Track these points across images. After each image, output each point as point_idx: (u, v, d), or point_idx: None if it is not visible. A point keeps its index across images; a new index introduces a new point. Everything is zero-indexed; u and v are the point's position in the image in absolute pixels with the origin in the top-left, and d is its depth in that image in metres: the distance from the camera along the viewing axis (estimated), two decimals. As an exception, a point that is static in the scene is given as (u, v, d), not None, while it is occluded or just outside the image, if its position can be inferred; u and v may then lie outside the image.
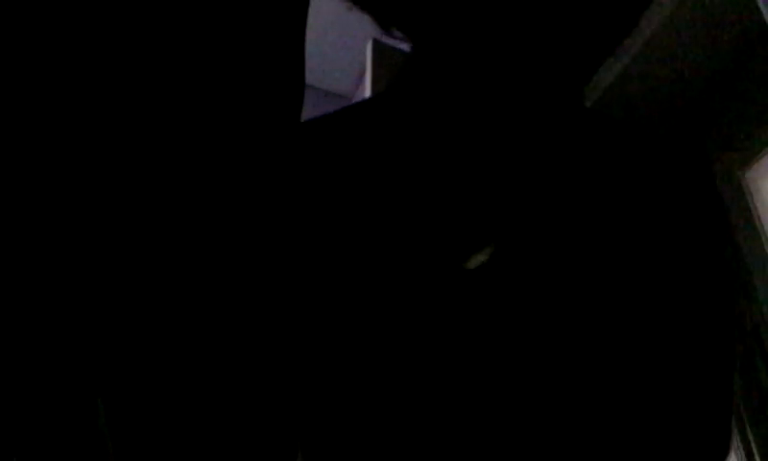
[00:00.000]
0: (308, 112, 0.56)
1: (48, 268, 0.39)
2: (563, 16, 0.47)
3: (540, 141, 0.52)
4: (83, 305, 0.40)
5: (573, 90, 0.53)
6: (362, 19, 0.56)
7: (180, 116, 0.41)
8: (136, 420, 0.41)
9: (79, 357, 0.40)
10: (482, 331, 0.46)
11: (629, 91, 2.14)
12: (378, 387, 0.46)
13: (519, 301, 0.46)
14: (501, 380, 0.46)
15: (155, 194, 0.41)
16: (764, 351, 2.06)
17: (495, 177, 0.50)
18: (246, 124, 0.44)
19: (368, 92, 1.90)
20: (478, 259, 0.46)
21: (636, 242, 0.49)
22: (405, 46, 0.56)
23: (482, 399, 0.45)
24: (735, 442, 2.09)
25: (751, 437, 2.07)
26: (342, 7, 0.57)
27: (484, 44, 0.48)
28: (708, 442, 0.48)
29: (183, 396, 0.42)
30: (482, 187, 0.50)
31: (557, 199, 0.49)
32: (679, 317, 0.48)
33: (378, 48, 1.84)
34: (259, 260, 0.45)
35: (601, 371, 0.46)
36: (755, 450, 2.05)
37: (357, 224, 0.49)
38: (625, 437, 0.46)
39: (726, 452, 0.48)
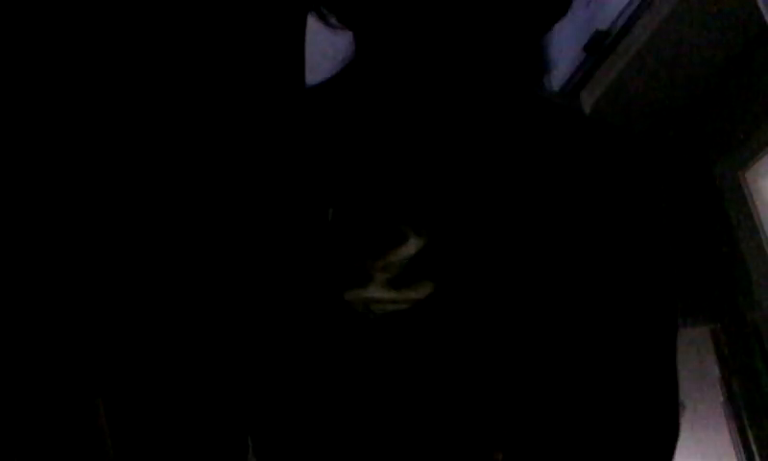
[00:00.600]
0: (308, 112, 0.56)
1: (48, 268, 0.39)
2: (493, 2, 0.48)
3: (480, 126, 0.52)
4: (83, 305, 0.40)
5: (510, 75, 0.54)
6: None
7: (180, 116, 0.41)
8: (136, 420, 0.41)
9: (79, 357, 0.40)
10: (422, 323, 0.46)
11: (629, 91, 2.14)
12: (329, 388, 0.46)
13: (460, 293, 0.46)
14: (450, 366, 0.46)
15: (154, 193, 0.41)
16: (764, 351, 2.06)
17: (429, 165, 0.50)
18: (246, 123, 0.44)
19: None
20: (410, 247, 0.47)
21: (572, 230, 0.49)
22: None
23: (422, 392, 0.46)
24: (736, 442, 2.09)
25: (751, 437, 2.07)
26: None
27: (419, 32, 0.48)
28: (657, 425, 0.48)
29: (182, 396, 0.42)
30: (415, 177, 0.50)
31: (491, 187, 0.49)
32: (621, 309, 0.49)
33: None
34: (253, 260, 0.45)
35: (542, 358, 0.46)
36: (755, 450, 2.05)
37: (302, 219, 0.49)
38: (572, 427, 0.46)
39: (675, 435, 0.48)
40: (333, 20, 0.51)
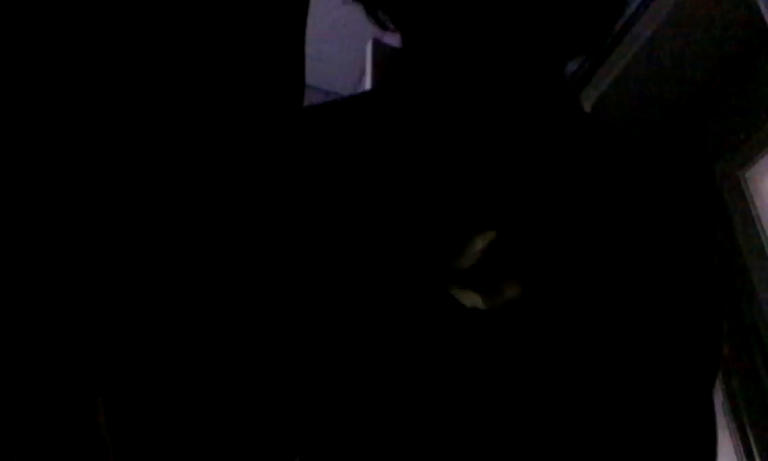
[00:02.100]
0: (308, 112, 0.56)
1: (48, 268, 0.39)
2: (547, 10, 0.48)
3: (532, 133, 0.52)
4: (82, 305, 0.40)
5: (559, 85, 0.54)
6: (362, 19, 0.56)
7: (179, 116, 0.41)
8: (136, 420, 0.41)
9: (79, 357, 0.40)
10: (475, 329, 0.46)
11: (629, 91, 2.15)
12: (377, 388, 0.46)
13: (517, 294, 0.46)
14: (494, 381, 0.45)
15: (154, 193, 0.41)
16: (764, 352, 2.06)
17: (492, 167, 0.50)
18: (246, 124, 0.44)
19: (367, 92, 1.89)
20: (480, 244, 0.46)
21: (625, 243, 0.49)
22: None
23: (474, 399, 0.45)
24: (736, 442, 2.09)
25: (751, 437, 2.07)
26: (342, 7, 0.57)
27: (473, 38, 0.48)
28: (694, 445, 0.47)
29: (183, 396, 0.42)
30: (480, 178, 0.50)
31: (552, 192, 0.49)
32: (668, 322, 0.48)
33: (378, 48, 1.84)
34: (259, 258, 0.45)
35: (589, 370, 0.46)
36: (755, 450, 2.05)
37: (353, 218, 0.49)
38: (610, 439, 0.46)
39: (713, 455, 0.48)
40: (388, 23, 0.51)
